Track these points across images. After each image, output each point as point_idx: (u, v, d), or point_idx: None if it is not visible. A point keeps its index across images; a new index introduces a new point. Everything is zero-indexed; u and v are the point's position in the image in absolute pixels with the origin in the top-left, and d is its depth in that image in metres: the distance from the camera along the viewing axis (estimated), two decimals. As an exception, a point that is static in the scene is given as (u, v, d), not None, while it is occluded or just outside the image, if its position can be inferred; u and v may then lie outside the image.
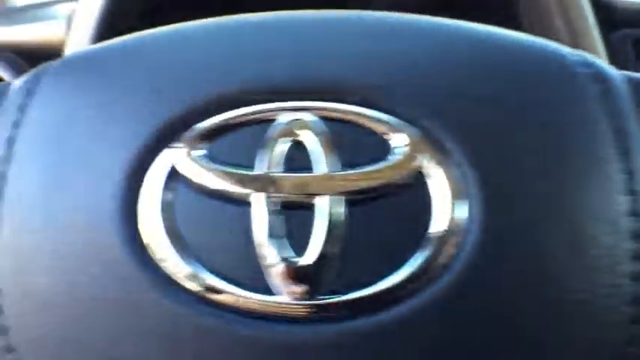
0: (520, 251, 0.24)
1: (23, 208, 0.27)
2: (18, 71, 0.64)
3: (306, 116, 0.26)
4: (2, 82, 0.34)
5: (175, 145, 0.26)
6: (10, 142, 0.28)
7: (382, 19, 0.28)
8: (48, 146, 0.27)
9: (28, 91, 0.28)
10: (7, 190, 0.27)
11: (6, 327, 0.26)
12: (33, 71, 0.30)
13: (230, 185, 0.25)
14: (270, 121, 0.26)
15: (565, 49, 0.28)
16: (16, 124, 0.28)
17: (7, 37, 0.66)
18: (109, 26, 0.56)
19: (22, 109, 0.28)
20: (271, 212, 0.25)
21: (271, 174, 0.25)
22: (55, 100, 0.28)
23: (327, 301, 0.24)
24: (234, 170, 0.25)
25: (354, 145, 0.25)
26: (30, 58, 0.65)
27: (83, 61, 0.29)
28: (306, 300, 0.24)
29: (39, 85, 0.29)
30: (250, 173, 0.25)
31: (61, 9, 0.72)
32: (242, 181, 0.25)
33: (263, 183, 0.25)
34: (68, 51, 0.58)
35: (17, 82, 0.30)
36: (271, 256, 0.24)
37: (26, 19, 0.69)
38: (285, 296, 0.24)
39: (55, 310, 0.26)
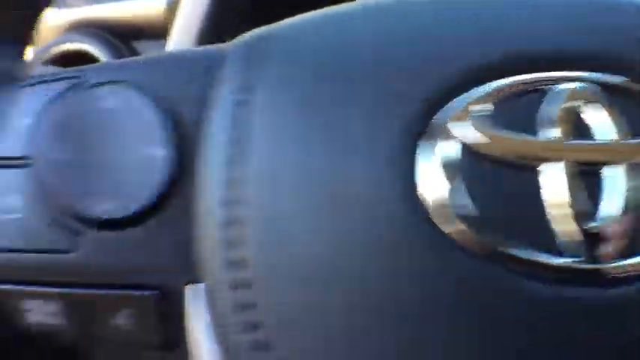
0: None
1: (272, 173, 0.25)
2: (110, 48, 0.64)
3: (586, 85, 0.26)
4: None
5: (449, 109, 0.26)
6: (243, 105, 0.27)
7: None
8: (291, 114, 0.26)
9: (249, 59, 0.27)
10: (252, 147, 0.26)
11: (258, 321, 0.25)
12: (249, 36, 0.29)
13: (520, 152, 0.25)
14: (545, 90, 0.26)
15: None
16: (247, 89, 0.27)
17: (100, 14, 0.66)
18: (220, 7, 0.56)
19: (248, 72, 0.27)
20: (563, 178, 0.25)
21: (565, 142, 0.25)
22: (290, 64, 0.27)
23: (617, 264, 0.24)
24: (525, 137, 0.25)
25: (633, 115, 0.26)
26: (123, 35, 0.65)
27: (307, 28, 0.28)
28: (597, 263, 0.25)
29: (263, 50, 0.27)
30: (544, 140, 0.25)
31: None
32: (535, 148, 0.25)
33: (556, 150, 0.25)
34: (175, 30, 0.58)
35: (226, 49, 0.29)
36: (563, 220, 0.24)
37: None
38: (574, 259, 0.24)
39: (318, 284, 0.25)
